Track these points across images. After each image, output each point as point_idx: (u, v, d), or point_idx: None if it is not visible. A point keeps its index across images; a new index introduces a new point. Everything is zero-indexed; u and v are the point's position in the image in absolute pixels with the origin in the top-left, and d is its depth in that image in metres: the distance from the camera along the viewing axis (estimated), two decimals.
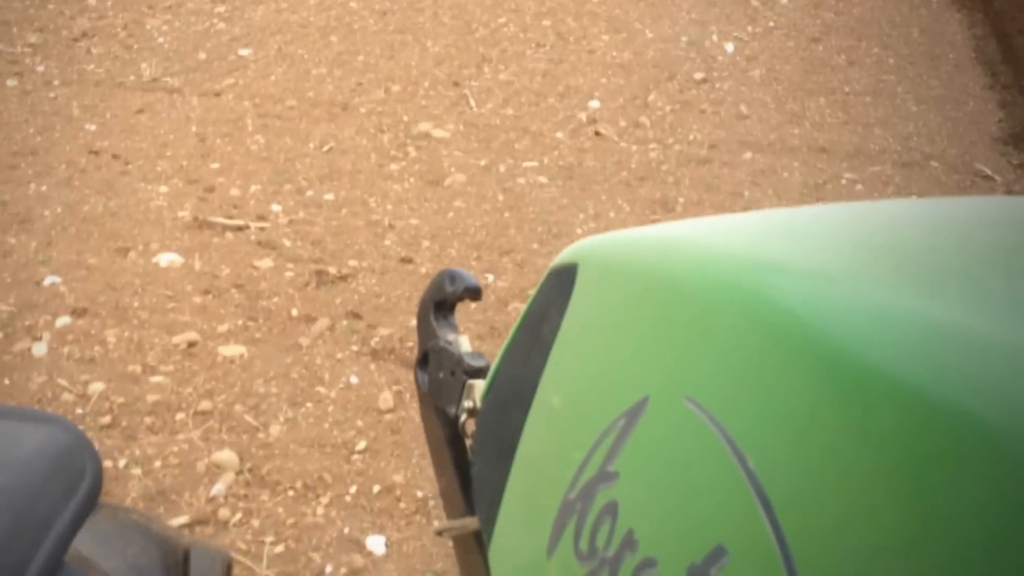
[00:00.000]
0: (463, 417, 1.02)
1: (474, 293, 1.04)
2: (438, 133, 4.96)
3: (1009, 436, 0.43)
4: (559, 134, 5.10)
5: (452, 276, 1.05)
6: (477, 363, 1.02)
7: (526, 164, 4.79)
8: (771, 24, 6.64)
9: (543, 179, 4.68)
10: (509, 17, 6.35)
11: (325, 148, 4.72)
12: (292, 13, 6.05)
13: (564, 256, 0.88)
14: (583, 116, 5.28)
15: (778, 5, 6.95)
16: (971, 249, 0.66)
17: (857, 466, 0.48)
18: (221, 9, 6.02)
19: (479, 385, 1.00)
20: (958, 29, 6.86)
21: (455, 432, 1.04)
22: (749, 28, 6.53)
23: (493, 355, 0.98)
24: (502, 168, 4.74)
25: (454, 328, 1.07)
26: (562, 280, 0.85)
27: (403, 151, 4.79)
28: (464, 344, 1.04)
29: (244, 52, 5.53)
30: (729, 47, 6.24)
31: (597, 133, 5.13)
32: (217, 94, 5.08)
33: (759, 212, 0.88)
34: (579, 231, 4.32)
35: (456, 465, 1.05)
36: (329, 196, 4.37)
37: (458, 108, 5.25)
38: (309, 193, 4.38)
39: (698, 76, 5.84)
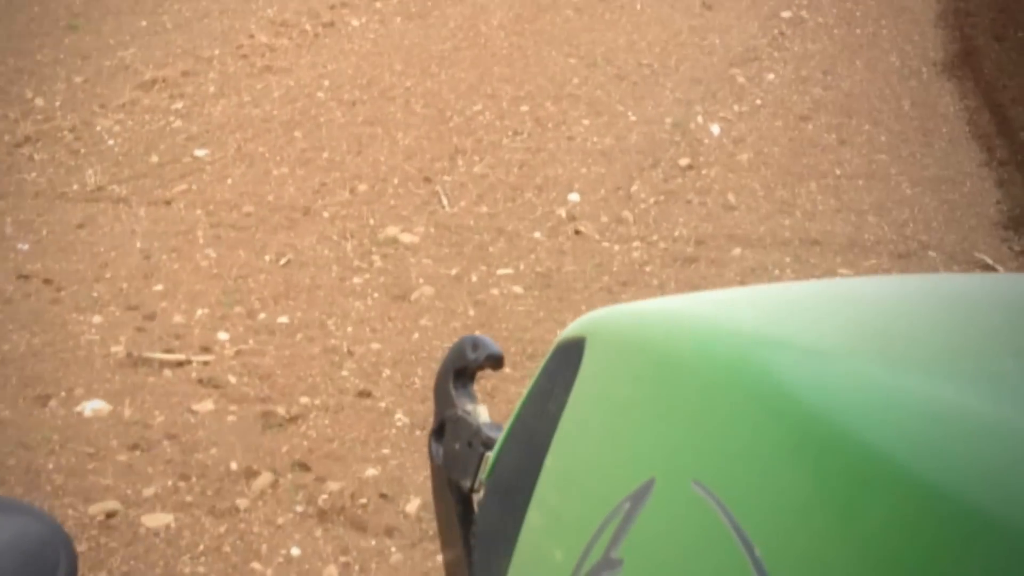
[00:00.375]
0: (480, 492, 0.95)
1: (496, 361, 0.99)
2: (406, 238, 4.46)
3: (1009, 525, 0.41)
4: (536, 234, 4.60)
5: (474, 343, 1.00)
6: (496, 435, 0.95)
7: (500, 271, 4.28)
8: (758, 102, 6.17)
9: (518, 289, 4.17)
10: (485, 103, 5.86)
11: (282, 261, 4.21)
12: (255, 107, 5.55)
13: (572, 329, 0.85)
14: (562, 212, 4.79)
15: (765, 81, 6.48)
16: (980, 328, 0.64)
17: (857, 554, 0.46)
18: (179, 105, 5.51)
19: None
20: (950, 101, 6.39)
21: (467, 508, 0.98)
22: (735, 107, 6.05)
23: None
24: (474, 277, 4.23)
25: (473, 398, 1.01)
26: (569, 354, 0.81)
27: (367, 260, 4.28)
28: (483, 414, 0.99)
29: (200, 152, 5.02)
30: (715, 129, 5.75)
31: (577, 232, 4.64)
32: (167, 202, 4.56)
33: (769, 286, 0.88)
34: None
35: (466, 543, 0.98)
36: (283, 319, 3.85)
37: (429, 207, 4.75)
38: (261, 316, 3.86)
39: (683, 162, 5.35)
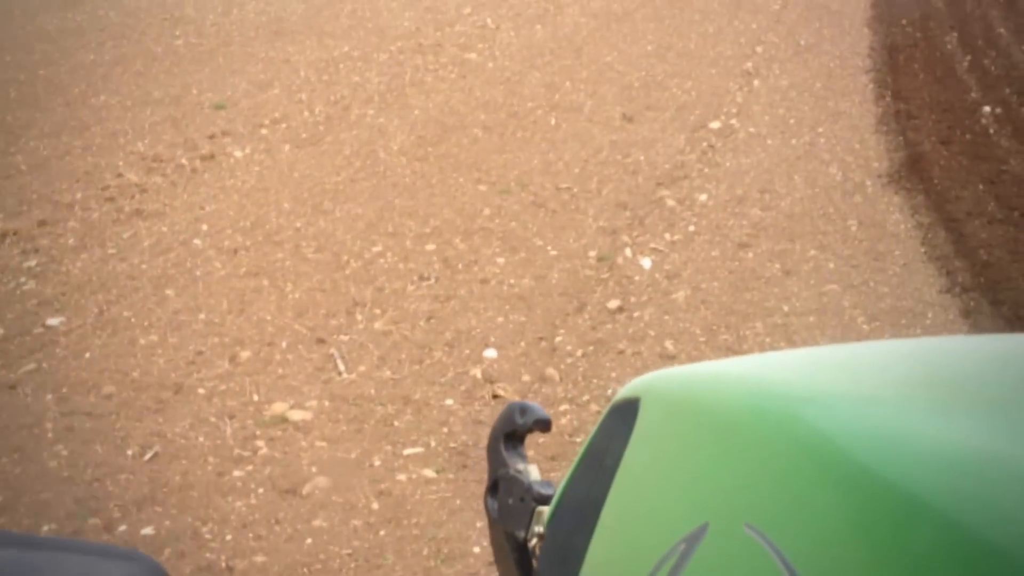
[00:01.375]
0: (533, 541, 1.11)
1: (544, 425, 1.15)
2: (297, 415, 4.13)
3: None
4: (449, 401, 4.31)
5: (522, 409, 1.16)
6: (546, 491, 1.11)
7: (408, 451, 3.98)
8: (691, 228, 5.99)
9: (430, 472, 3.86)
10: (386, 243, 5.60)
11: (148, 455, 3.85)
12: (120, 260, 5.23)
13: (627, 391, 0.97)
14: (478, 372, 4.50)
15: (697, 203, 6.32)
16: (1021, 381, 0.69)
17: None
18: (32, 263, 5.17)
19: (547, 511, 1.10)
20: (900, 217, 6.28)
21: (523, 555, 1.12)
22: (667, 236, 5.87)
23: None
24: (377, 460, 3.92)
25: (524, 457, 1.17)
26: (624, 413, 0.93)
27: (251, 447, 3.94)
28: (533, 473, 1.14)
29: (53, 321, 4.67)
30: (646, 263, 5.55)
31: (495, 396, 4.36)
32: (11, 387, 4.19)
33: (812, 348, 1.00)
34: (476, 549, 3.48)
35: None
36: (148, 530, 3.49)
37: (323, 375, 4.43)
38: (121, 528, 3.49)
39: (612, 304, 5.12)
